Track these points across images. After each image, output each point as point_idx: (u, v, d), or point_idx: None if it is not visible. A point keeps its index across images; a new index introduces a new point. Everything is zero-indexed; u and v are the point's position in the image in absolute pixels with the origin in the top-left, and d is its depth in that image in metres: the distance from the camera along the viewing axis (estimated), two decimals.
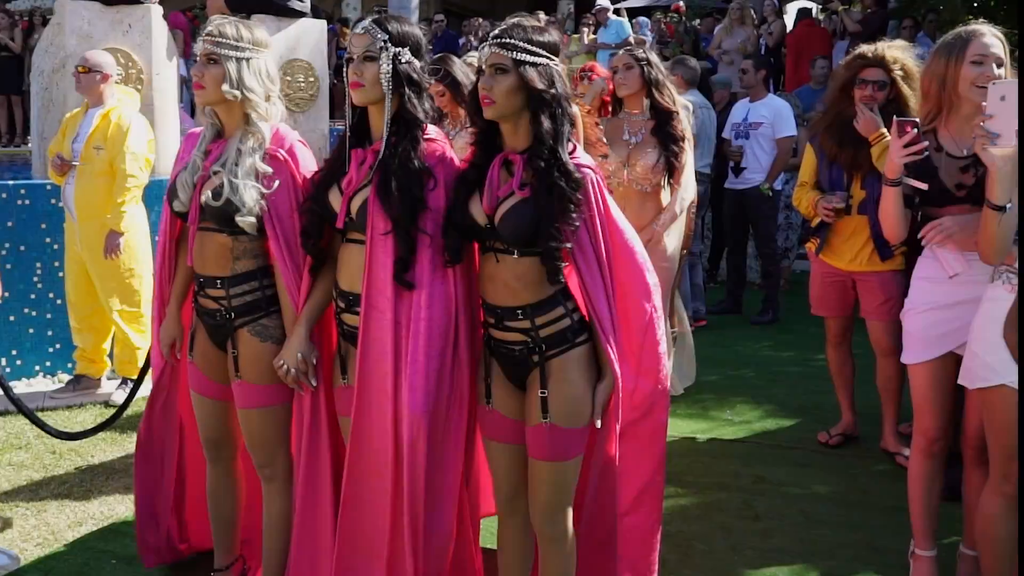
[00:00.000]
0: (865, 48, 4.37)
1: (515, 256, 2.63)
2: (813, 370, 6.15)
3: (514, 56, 2.55)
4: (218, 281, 3.00)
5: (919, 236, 3.23)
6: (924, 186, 3.11)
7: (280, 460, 3.08)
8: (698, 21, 14.25)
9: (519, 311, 2.66)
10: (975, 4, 11.88)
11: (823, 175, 4.59)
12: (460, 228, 2.69)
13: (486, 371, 2.81)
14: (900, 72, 4.26)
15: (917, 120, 3.07)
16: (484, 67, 2.60)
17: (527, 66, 2.55)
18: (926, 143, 3.04)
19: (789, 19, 13.29)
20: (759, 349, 6.93)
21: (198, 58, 2.92)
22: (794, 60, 11.61)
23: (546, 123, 2.57)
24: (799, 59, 11.43)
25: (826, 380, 5.20)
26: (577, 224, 2.60)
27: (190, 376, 3.18)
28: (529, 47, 2.56)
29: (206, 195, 2.93)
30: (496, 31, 2.61)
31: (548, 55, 2.60)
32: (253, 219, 2.91)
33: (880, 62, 4.28)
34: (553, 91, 2.58)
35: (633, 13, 14.88)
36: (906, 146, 3.02)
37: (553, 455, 2.68)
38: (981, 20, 3.23)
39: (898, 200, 3.17)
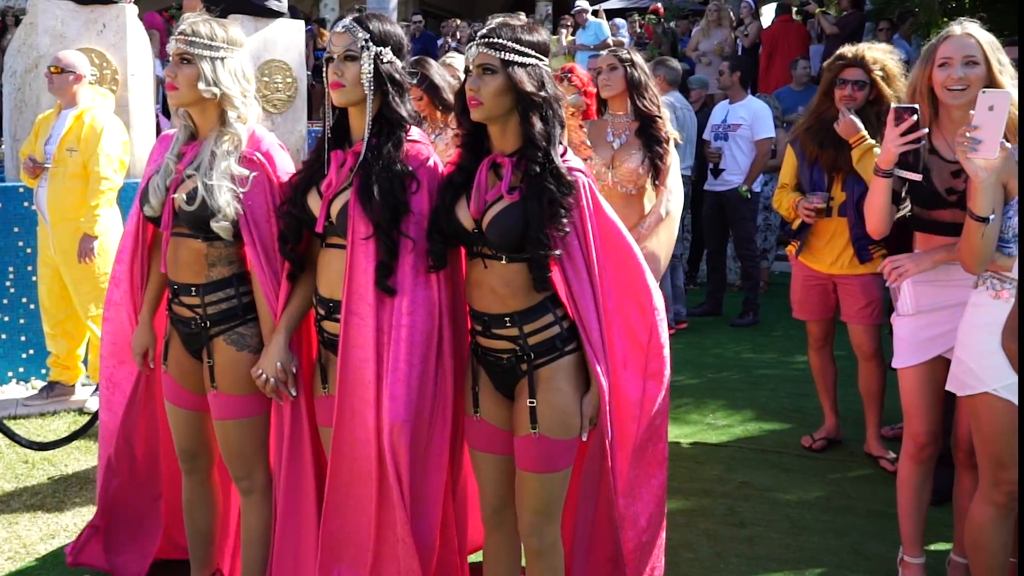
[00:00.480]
0: (845, 49, 4.37)
1: (503, 262, 2.57)
2: (795, 373, 6.14)
3: (502, 56, 2.48)
4: (193, 288, 2.92)
5: (879, 270, 3.22)
6: (918, 177, 3.05)
7: (258, 472, 3.01)
8: (674, 23, 14.24)
9: (507, 318, 2.59)
10: (951, 6, 11.91)
11: (804, 177, 4.57)
12: (446, 233, 2.62)
13: (473, 380, 2.74)
14: (880, 73, 4.26)
15: (916, 107, 2.99)
16: (471, 67, 2.53)
17: (516, 67, 2.48)
18: (925, 131, 2.99)
19: (765, 21, 13.29)
20: (740, 351, 6.91)
21: (171, 58, 2.85)
22: (768, 56, 11.59)
23: (538, 125, 2.51)
24: (772, 56, 11.42)
25: (808, 383, 5.19)
26: (567, 230, 2.53)
27: (164, 386, 3.09)
28: (517, 47, 2.49)
29: (180, 199, 2.85)
30: (484, 30, 2.53)
31: (537, 55, 2.53)
32: (228, 224, 2.83)
33: (860, 62, 4.27)
34: (544, 93, 2.51)
35: (611, 15, 14.84)
36: (903, 135, 2.97)
37: (541, 466, 2.62)
38: (965, 19, 3.17)
39: (887, 193, 3.11)
